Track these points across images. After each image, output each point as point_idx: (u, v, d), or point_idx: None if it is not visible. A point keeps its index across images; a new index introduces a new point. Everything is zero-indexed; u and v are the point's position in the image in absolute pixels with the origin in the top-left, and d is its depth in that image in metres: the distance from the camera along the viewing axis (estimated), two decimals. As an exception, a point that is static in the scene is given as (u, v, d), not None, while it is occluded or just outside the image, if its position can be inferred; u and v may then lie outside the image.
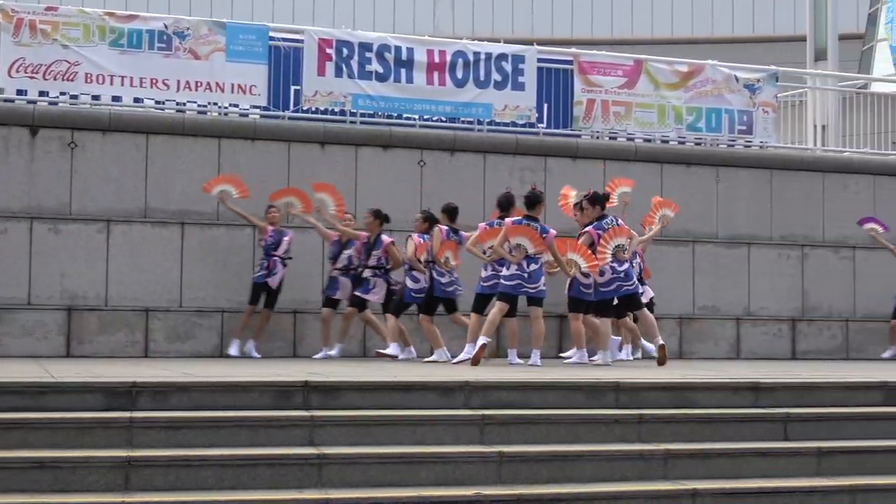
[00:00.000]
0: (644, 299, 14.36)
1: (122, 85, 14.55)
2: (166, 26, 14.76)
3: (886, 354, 16.17)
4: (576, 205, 13.60)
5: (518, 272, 12.04)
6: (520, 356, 12.39)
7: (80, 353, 13.55)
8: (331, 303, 14.07)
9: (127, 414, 7.40)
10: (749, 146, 17.35)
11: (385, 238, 13.80)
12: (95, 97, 14.54)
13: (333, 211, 13.96)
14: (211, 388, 7.93)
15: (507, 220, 12.26)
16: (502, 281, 12.12)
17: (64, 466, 6.85)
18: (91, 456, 6.95)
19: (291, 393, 7.94)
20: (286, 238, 13.98)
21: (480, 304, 12.42)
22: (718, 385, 8.96)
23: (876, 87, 24.29)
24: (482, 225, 12.77)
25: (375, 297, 13.85)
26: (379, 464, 7.33)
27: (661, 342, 12.47)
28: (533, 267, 12.09)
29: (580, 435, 8.02)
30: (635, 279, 12.67)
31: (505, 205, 12.90)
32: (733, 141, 17.30)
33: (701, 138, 17.13)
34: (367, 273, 13.78)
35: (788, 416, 8.56)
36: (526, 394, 8.40)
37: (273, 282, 13.89)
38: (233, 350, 13.81)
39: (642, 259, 14.40)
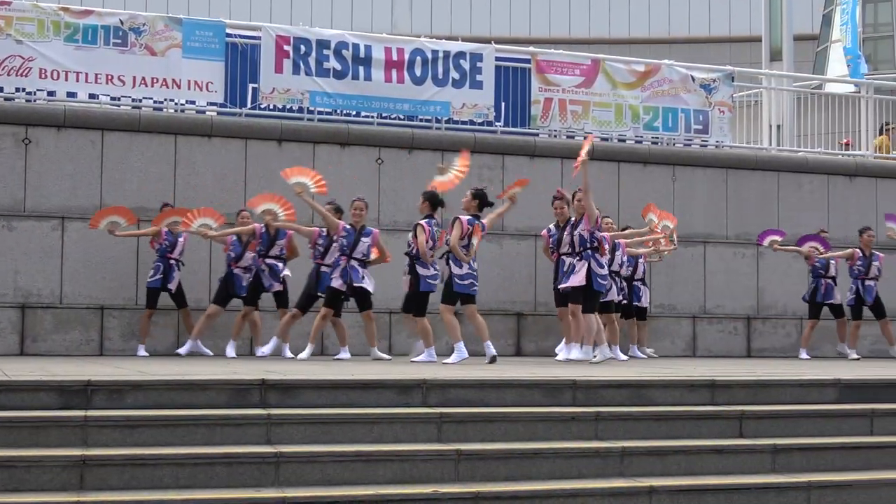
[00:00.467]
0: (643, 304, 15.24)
1: (78, 81, 14.45)
2: (122, 22, 14.65)
3: (804, 355, 16.18)
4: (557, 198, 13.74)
5: (470, 271, 12.08)
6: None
7: (35, 351, 13.43)
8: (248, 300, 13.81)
9: (82, 413, 7.32)
10: (705, 146, 17.48)
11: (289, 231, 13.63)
12: (50, 93, 14.41)
13: (315, 190, 13.20)
14: (167, 386, 7.86)
15: (463, 217, 12.19)
16: (456, 280, 12.09)
17: (18, 465, 6.77)
18: (45, 455, 6.88)
19: (248, 391, 7.90)
20: (181, 240, 13.78)
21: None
22: (675, 383, 9.00)
23: (830, 88, 24.55)
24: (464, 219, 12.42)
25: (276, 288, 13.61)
26: (336, 462, 7.30)
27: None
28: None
29: (538, 433, 8.03)
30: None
31: (485, 201, 12.55)
32: (689, 140, 17.42)
33: (657, 137, 17.23)
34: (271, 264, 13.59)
35: (744, 414, 8.61)
36: (483, 392, 8.40)
37: (172, 286, 13.73)
38: (142, 352, 13.66)
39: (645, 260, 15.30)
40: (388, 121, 15.72)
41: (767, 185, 17.33)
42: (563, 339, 13.25)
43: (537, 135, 16.47)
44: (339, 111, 15.55)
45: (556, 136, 16.62)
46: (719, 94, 17.58)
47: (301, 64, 15.30)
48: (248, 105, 15.10)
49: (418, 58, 15.86)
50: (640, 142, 17.18)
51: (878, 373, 10.90)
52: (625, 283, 14.69)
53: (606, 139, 16.86)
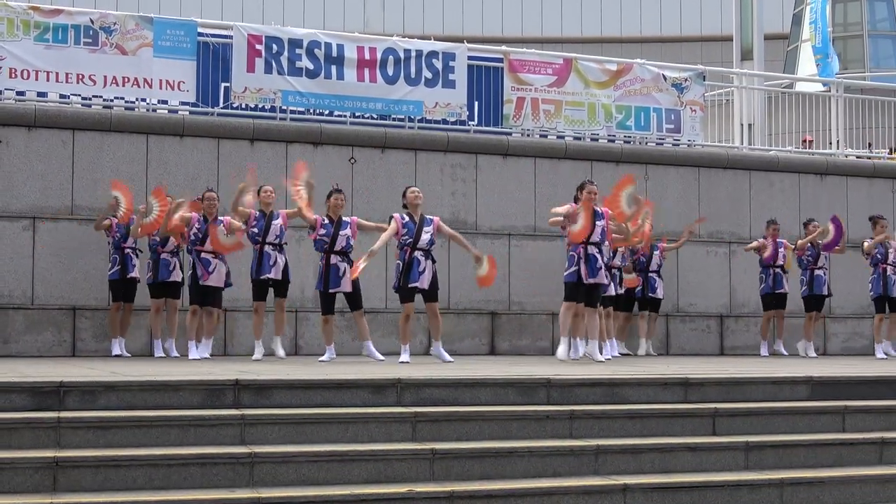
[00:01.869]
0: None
1: (48, 80, 14.36)
2: (92, 21, 14.57)
3: (764, 352, 16.34)
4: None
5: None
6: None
7: (6, 352, 13.33)
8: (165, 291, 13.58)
9: (54, 414, 7.29)
10: (677, 144, 17.55)
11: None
12: (20, 93, 14.31)
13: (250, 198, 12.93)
14: (140, 387, 7.83)
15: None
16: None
17: (-10, 468, 6.74)
18: (18, 457, 6.84)
19: (222, 391, 7.88)
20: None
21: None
22: (648, 381, 9.03)
23: (801, 87, 24.71)
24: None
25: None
26: (311, 462, 7.29)
27: None
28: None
29: (512, 431, 8.05)
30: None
31: None
32: (662, 139, 17.49)
33: (630, 136, 17.29)
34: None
35: (717, 412, 8.65)
36: (458, 391, 8.41)
37: (135, 274, 13.46)
38: (116, 349, 13.49)
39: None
40: (360, 120, 15.70)
41: (739, 183, 17.41)
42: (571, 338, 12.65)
43: (510, 134, 16.49)
44: (311, 110, 15.52)
45: (528, 136, 16.65)
46: (691, 93, 17.65)
47: (273, 63, 15.26)
48: (220, 104, 15.05)
49: (391, 57, 15.85)
50: (613, 141, 17.23)
51: (850, 370, 10.98)
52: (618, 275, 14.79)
53: (579, 138, 16.90)
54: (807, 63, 37.06)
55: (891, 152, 20.29)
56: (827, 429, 8.84)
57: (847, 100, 19.95)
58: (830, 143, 19.77)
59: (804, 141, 20.12)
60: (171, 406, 7.68)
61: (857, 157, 19.37)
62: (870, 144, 20.65)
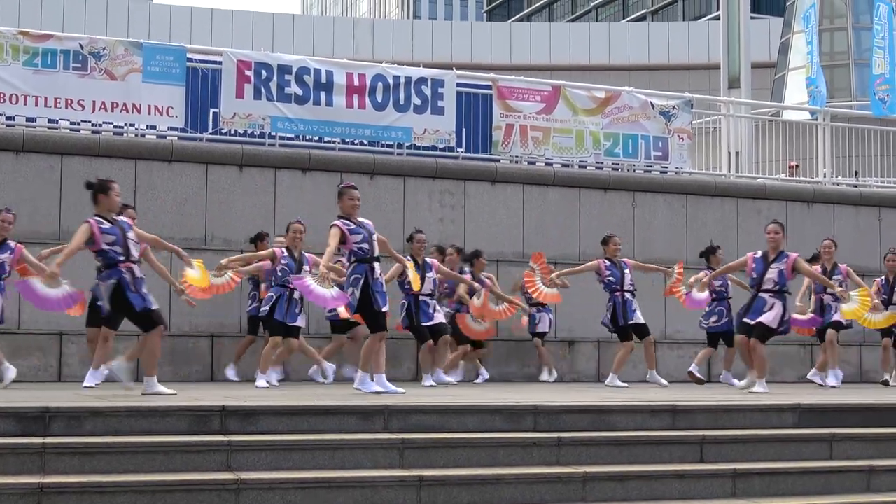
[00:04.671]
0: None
1: (37, 105, 14.33)
2: (82, 46, 14.57)
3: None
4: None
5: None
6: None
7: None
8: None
9: (39, 440, 7.25)
10: (665, 172, 17.60)
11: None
12: (9, 118, 14.30)
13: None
14: (126, 412, 7.80)
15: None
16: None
17: (-26, 494, 6.69)
18: (2, 483, 6.80)
19: (209, 418, 7.85)
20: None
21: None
22: (636, 408, 9.03)
23: (788, 115, 24.81)
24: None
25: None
26: (298, 488, 7.27)
27: None
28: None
29: (499, 458, 8.04)
30: None
31: None
32: (650, 166, 17.54)
33: (618, 164, 17.33)
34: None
35: (704, 439, 8.66)
36: (445, 417, 8.39)
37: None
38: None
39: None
40: (349, 146, 15.72)
41: (727, 211, 17.46)
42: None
43: (499, 160, 16.52)
44: (300, 136, 15.53)
45: (517, 162, 16.68)
46: (678, 120, 17.72)
47: (262, 89, 15.27)
48: (209, 130, 15.05)
49: (380, 83, 15.88)
50: (601, 168, 17.28)
51: (837, 398, 11.00)
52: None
53: (567, 165, 16.94)
54: (794, 91, 37.32)
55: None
56: (814, 456, 8.85)
57: (834, 128, 20.04)
58: (817, 172, 19.85)
59: (790, 167, 20.20)
60: (158, 432, 7.65)
61: (848, 184, 19.44)
62: (856, 172, 20.74)
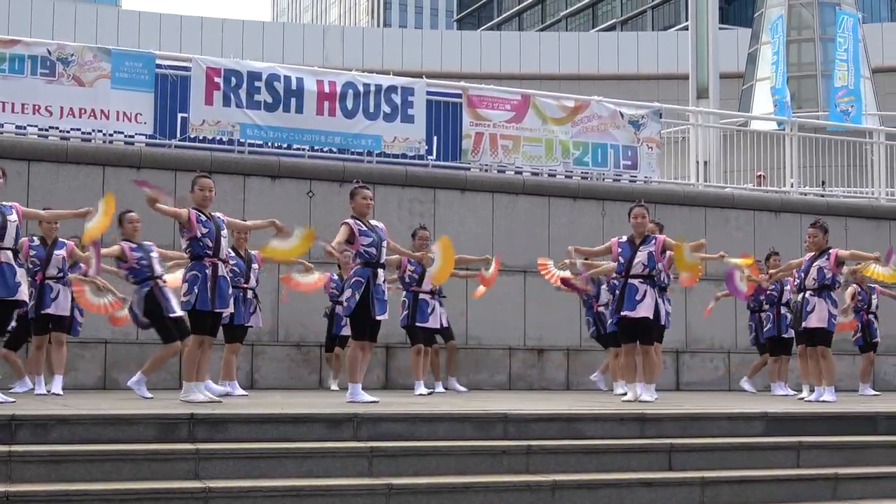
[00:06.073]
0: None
1: (4, 111, 14.25)
2: (50, 52, 14.50)
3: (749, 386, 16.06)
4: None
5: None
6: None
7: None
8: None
9: (6, 448, 7.18)
10: (634, 181, 17.67)
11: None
12: (-25, 123, 14.20)
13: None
14: (93, 420, 7.74)
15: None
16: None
17: (-62, 502, 6.63)
18: (-33, 491, 6.74)
19: (177, 426, 7.80)
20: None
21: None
22: (605, 416, 9.05)
23: (756, 126, 24.98)
24: None
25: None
26: (266, 497, 7.24)
27: None
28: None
29: (469, 466, 8.03)
30: None
31: None
32: (619, 176, 17.60)
33: (587, 173, 17.39)
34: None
35: (673, 447, 8.68)
36: (415, 425, 8.38)
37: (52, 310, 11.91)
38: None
39: None
40: (319, 153, 15.69)
41: (695, 220, 17.54)
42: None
43: (469, 169, 16.55)
44: (269, 143, 15.49)
45: (487, 171, 16.71)
46: (647, 130, 17.80)
47: (232, 96, 15.23)
48: (178, 137, 14.98)
49: (350, 91, 15.87)
50: (570, 177, 17.33)
51: (804, 406, 11.06)
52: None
53: (537, 174, 16.99)
54: (762, 102, 37.58)
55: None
56: (782, 464, 8.90)
57: (801, 138, 20.19)
58: (784, 181, 19.99)
59: (757, 177, 20.34)
60: (125, 440, 7.60)
61: (815, 195, 19.58)
62: (823, 183, 20.90)
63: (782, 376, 14.95)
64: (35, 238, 11.64)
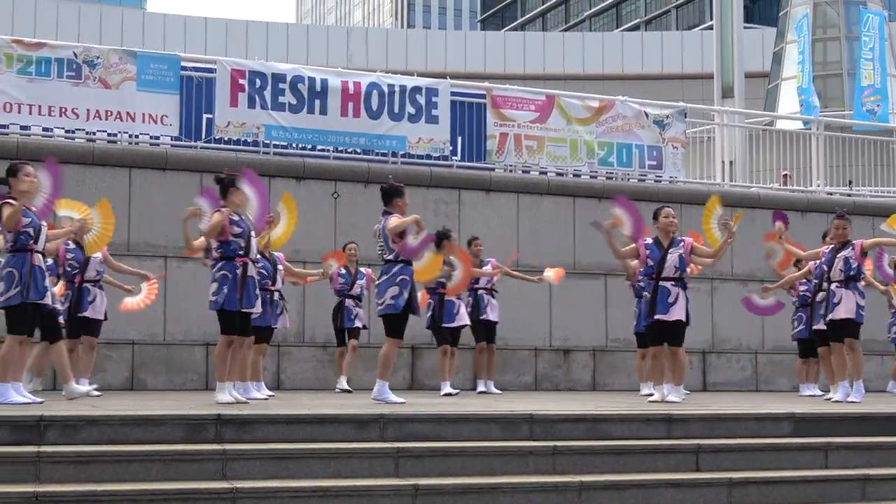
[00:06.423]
0: None
1: (31, 114, 14.34)
2: (76, 54, 14.58)
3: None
4: None
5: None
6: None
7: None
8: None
9: (34, 448, 7.21)
10: (659, 181, 17.61)
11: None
12: (3, 126, 14.27)
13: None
14: (121, 421, 7.77)
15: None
16: None
17: (-32, 503, 6.67)
18: (-3, 492, 6.78)
19: (204, 426, 7.82)
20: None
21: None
22: (631, 417, 9.02)
23: (781, 125, 24.87)
24: None
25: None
26: (293, 497, 7.24)
27: None
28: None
29: (495, 467, 8.01)
30: None
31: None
32: (644, 176, 17.55)
33: (612, 173, 17.35)
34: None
35: (700, 448, 8.64)
36: (441, 426, 8.37)
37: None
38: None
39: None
40: (343, 155, 15.71)
41: (721, 220, 17.43)
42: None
43: (493, 169, 16.54)
44: (294, 145, 15.52)
45: (511, 171, 16.70)
46: (672, 130, 17.75)
47: (256, 97, 15.28)
48: (203, 138, 15.03)
49: (374, 92, 15.90)
50: (595, 177, 17.29)
51: (832, 406, 10.99)
52: None
53: (561, 174, 16.96)
54: (787, 101, 37.39)
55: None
56: (810, 465, 8.83)
57: (827, 137, 20.08)
58: (811, 181, 19.88)
59: (783, 176, 20.24)
60: (153, 441, 7.62)
61: (841, 194, 19.47)
62: (850, 182, 20.78)
63: (812, 377, 14.85)
64: (70, 242, 11.68)
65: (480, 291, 13.66)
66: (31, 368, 11.74)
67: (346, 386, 13.52)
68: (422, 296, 12.55)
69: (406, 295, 10.33)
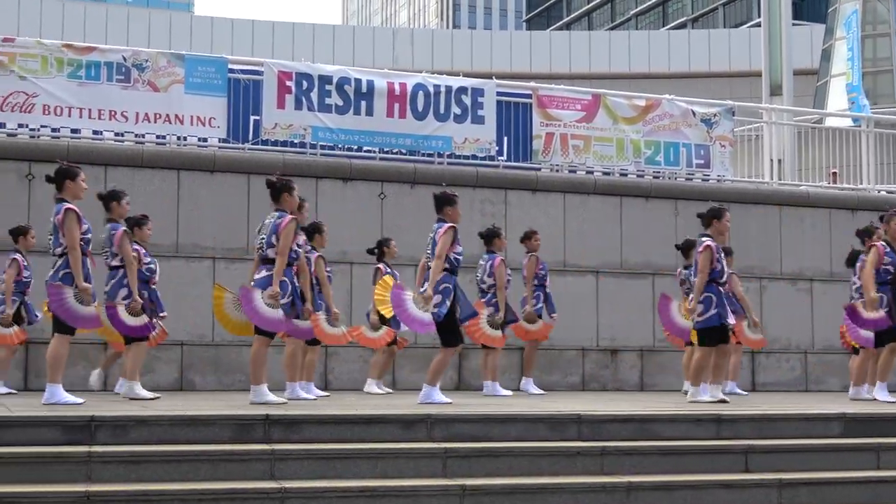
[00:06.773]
0: None
1: (81, 117, 14.48)
2: (125, 58, 14.71)
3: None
4: None
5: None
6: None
7: (39, 386, 13.35)
8: None
9: (85, 448, 7.30)
10: (707, 180, 17.50)
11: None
12: (54, 129, 14.44)
13: None
14: (171, 421, 7.84)
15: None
16: None
17: (21, 502, 6.74)
18: (49, 491, 6.85)
19: (252, 426, 7.88)
20: None
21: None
22: (681, 417, 8.98)
23: (831, 122, 24.62)
24: None
25: None
26: (341, 497, 7.27)
27: None
28: None
29: (543, 467, 8.01)
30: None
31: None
32: (691, 175, 17.44)
33: (659, 172, 17.26)
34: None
35: (750, 448, 8.59)
36: (488, 426, 8.38)
37: None
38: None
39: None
40: (390, 155, 15.75)
41: (769, 219, 17.34)
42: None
43: (539, 169, 16.50)
44: (341, 146, 15.57)
45: (558, 171, 16.66)
46: (720, 128, 17.62)
47: (303, 99, 15.34)
48: (251, 140, 15.13)
49: (420, 92, 15.91)
50: (642, 176, 17.21)
51: (884, 407, 10.87)
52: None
53: (608, 174, 16.89)
54: (836, 98, 37.03)
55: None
56: (861, 466, 8.75)
57: (878, 135, 19.86)
58: (861, 179, 19.67)
59: (831, 174, 20.04)
60: (202, 441, 7.68)
61: (892, 192, 19.25)
62: (901, 179, 20.55)
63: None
64: (141, 247, 11.78)
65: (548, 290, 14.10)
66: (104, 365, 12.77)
67: (377, 389, 13.20)
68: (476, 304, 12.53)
69: (448, 303, 10.38)
